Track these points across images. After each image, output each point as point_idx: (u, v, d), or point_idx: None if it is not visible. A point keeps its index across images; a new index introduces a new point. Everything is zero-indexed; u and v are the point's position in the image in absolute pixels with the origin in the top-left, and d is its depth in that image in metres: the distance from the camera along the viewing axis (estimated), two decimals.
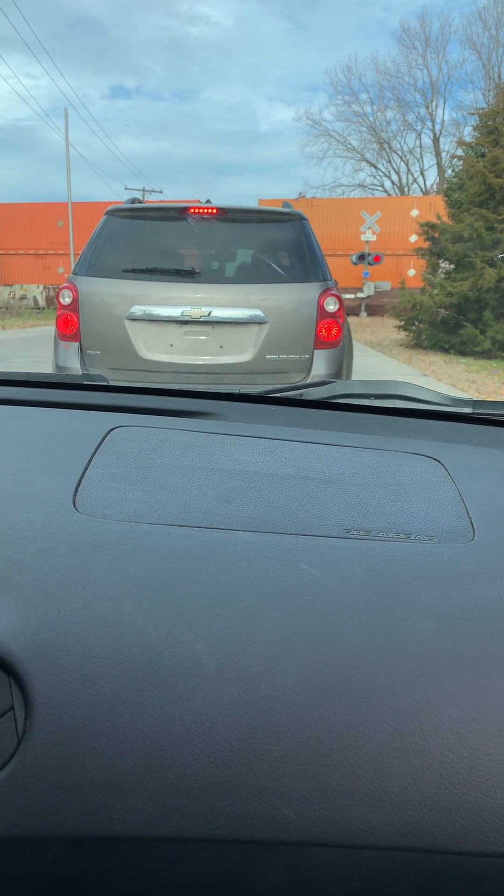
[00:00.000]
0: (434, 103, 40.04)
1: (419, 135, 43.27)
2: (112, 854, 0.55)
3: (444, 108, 66.82)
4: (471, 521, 0.74)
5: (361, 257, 22.81)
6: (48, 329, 8.11)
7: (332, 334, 4.12)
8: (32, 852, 0.55)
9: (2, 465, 0.81)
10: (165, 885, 0.56)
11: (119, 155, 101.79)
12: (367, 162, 41.07)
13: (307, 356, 4.10)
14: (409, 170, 41.66)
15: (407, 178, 41.08)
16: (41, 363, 8.23)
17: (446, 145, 37.97)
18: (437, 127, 40.60)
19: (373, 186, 42.17)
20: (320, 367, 4.11)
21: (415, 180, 41.49)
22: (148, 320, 4.07)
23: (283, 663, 0.58)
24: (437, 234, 13.96)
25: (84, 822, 0.54)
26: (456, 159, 17.81)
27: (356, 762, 0.55)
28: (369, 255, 22.66)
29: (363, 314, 23.19)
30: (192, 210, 4.29)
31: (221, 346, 4.10)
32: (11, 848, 0.54)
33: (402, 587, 0.64)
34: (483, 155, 13.95)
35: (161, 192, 36.38)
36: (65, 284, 4.24)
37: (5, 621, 0.58)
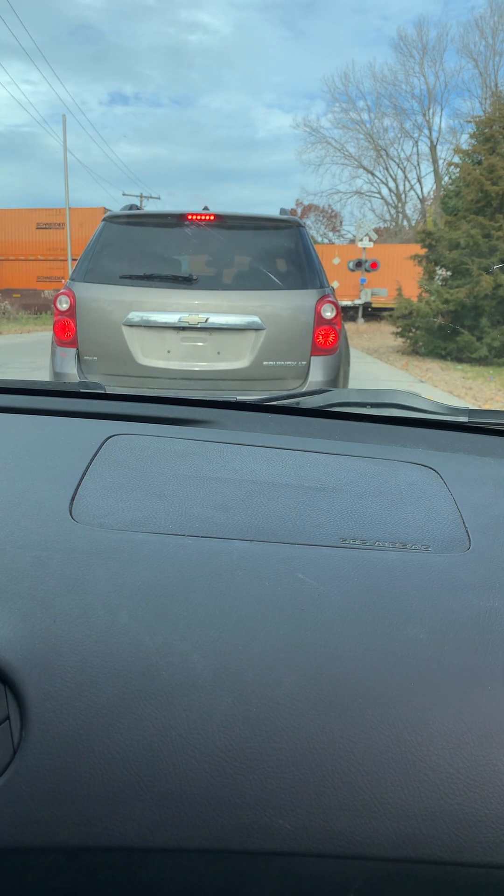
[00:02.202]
0: (431, 111, 40.44)
1: (416, 142, 43.54)
2: (107, 865, 0.55)
3: (441, 116, 66.94)
4: (466, 531, 0.75)
5: (358, 264, 22.88)
6: (45, 335, 8.09)
7: (329, 341, 4.12)
8: (27, 863, 0.54)
9: None
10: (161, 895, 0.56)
11: (117, 161, 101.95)
12: (365, 169, 41.27)
13: (304, 363, 4.11)
14: (405, 177, 42.07)
15: (404, 185, 41.33)
16: (38, 370, 8.23)
17: (443, 153, 38.28)
18: (434, 134, 40.74)
19: (370, 193, 42.32)
20: (317, 373, 4.11)
21: (412, 187, 41.73)
22: (145, 326, 4.07)
23: (279, 673, 0.58)
24: (433, 242, 14.01)
25: (79, 832, 0.53)
26: (453, 167, 17.92)
27: (352, 772, 0.54)
28: (366, 261, 22.72)
29: (360, 321, 23.24)
30: (189, 217, 4.30)
31: (219, 353, 4.10)
32: (6, 858, 0.54)
33: (397, 596, 0.64)
34: (480, 163, 14.02)
35: (159, 198, 36.52)
36: (62, 290, 4.24)
37: (1, 631, 0.58)
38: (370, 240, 23.29)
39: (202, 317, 4.03)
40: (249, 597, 0.63)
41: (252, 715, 0.56)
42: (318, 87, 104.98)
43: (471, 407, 1.15)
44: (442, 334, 13.25)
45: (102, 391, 1.17)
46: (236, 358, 4.10)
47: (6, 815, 0.53)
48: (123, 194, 37.22)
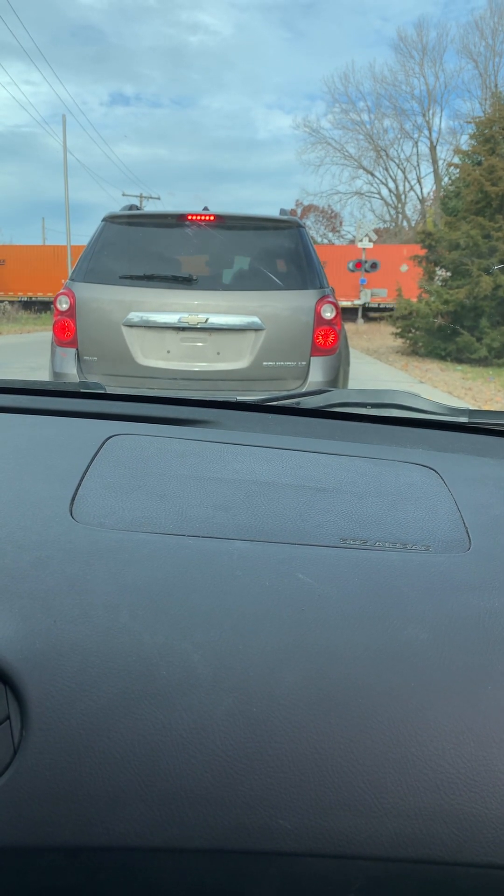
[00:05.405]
0: (431, 112, 40.39)
1: (416, 143, 43.50)
2: (108, 864, 0.55)
3: (440, 117, 66.92)
4: (467, 531, 0.75)
5: (358, 264, 22.89)
6: (45, 335, 8.10)
7: (328, 341, 4.13)
8: (28, 863, 0.54)
9: None
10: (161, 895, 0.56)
11: (117, 162, 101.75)
12: (364, 169, 41.23)
13: (304, 363, 4.11)
14: (405, 178, 42.00)
15: (404, 185, 41.32)
16: (38, 370, 8.23)
17: (443, 153, 38.28)
18: (434, 135, 40.70)
19: (370, 194, 42.33)
20: (317, 374, 4.11)
21: (411, 188, 41.72)
22: (145, 327, 4.07)
23: (279, 673, 0.58)
24: (433, 242, 14.01)
25: (80, 832, 0.53)
26: (452, 167, 17.95)
27: (352, 772, 0.54)
28: (366, 262, 22.73)
29: (360, 321, 23.25)
30: (189, 217, 4.30)
31: (218, 353, 4.10)
32: (6, 858, 0.54)
33: (398, 597, 0.64)
34: (479, 163, 14.03)
35: (159, 198, 36.53)
36: (62, 290, 4.24)
37: (1, 631, 0.58)
38: (370, 240, 23.30)
39: (202, 317, 4.03)
40: (250, 597, 0.63)
41: (252, 715, 0.56)
42: (318, 87, 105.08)
43: (471, 407, 1.15)
44: (442, 335, 13.26)
45: (103, 391, 1.17)
46: (236, 358, 4.10)
47: (6, 814, 0.53)
48: (123, 194, 37.29)
